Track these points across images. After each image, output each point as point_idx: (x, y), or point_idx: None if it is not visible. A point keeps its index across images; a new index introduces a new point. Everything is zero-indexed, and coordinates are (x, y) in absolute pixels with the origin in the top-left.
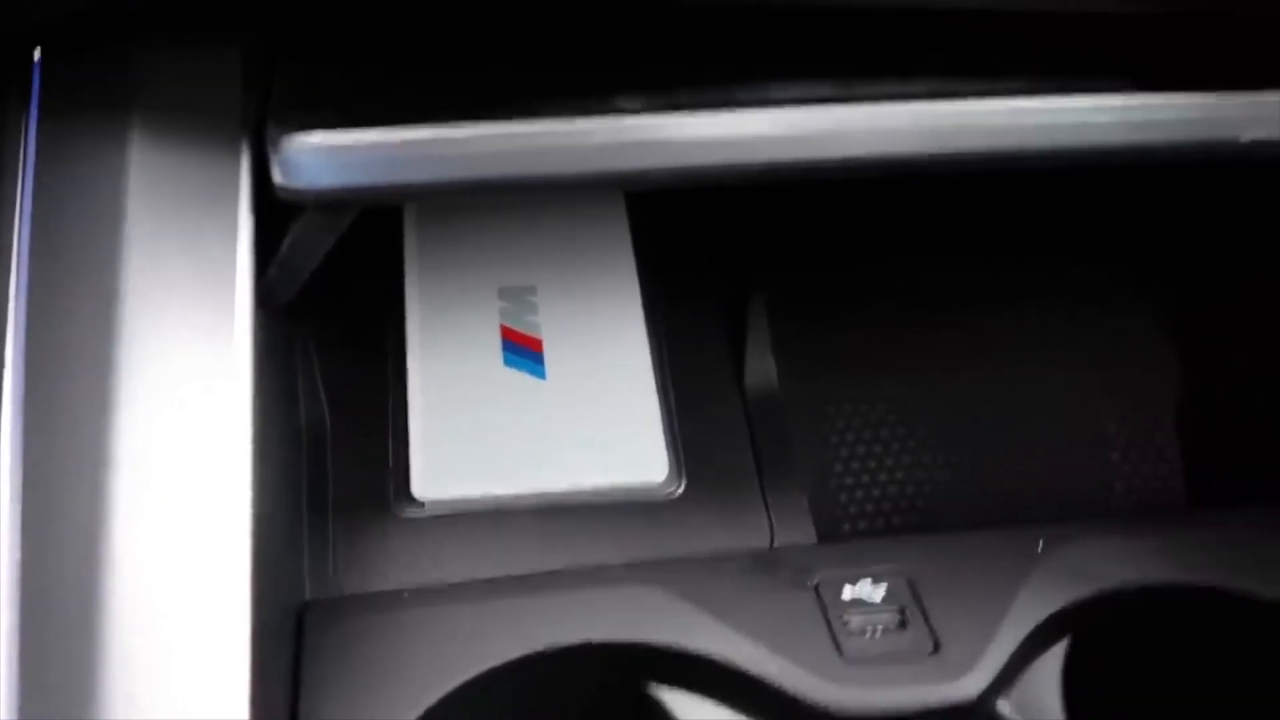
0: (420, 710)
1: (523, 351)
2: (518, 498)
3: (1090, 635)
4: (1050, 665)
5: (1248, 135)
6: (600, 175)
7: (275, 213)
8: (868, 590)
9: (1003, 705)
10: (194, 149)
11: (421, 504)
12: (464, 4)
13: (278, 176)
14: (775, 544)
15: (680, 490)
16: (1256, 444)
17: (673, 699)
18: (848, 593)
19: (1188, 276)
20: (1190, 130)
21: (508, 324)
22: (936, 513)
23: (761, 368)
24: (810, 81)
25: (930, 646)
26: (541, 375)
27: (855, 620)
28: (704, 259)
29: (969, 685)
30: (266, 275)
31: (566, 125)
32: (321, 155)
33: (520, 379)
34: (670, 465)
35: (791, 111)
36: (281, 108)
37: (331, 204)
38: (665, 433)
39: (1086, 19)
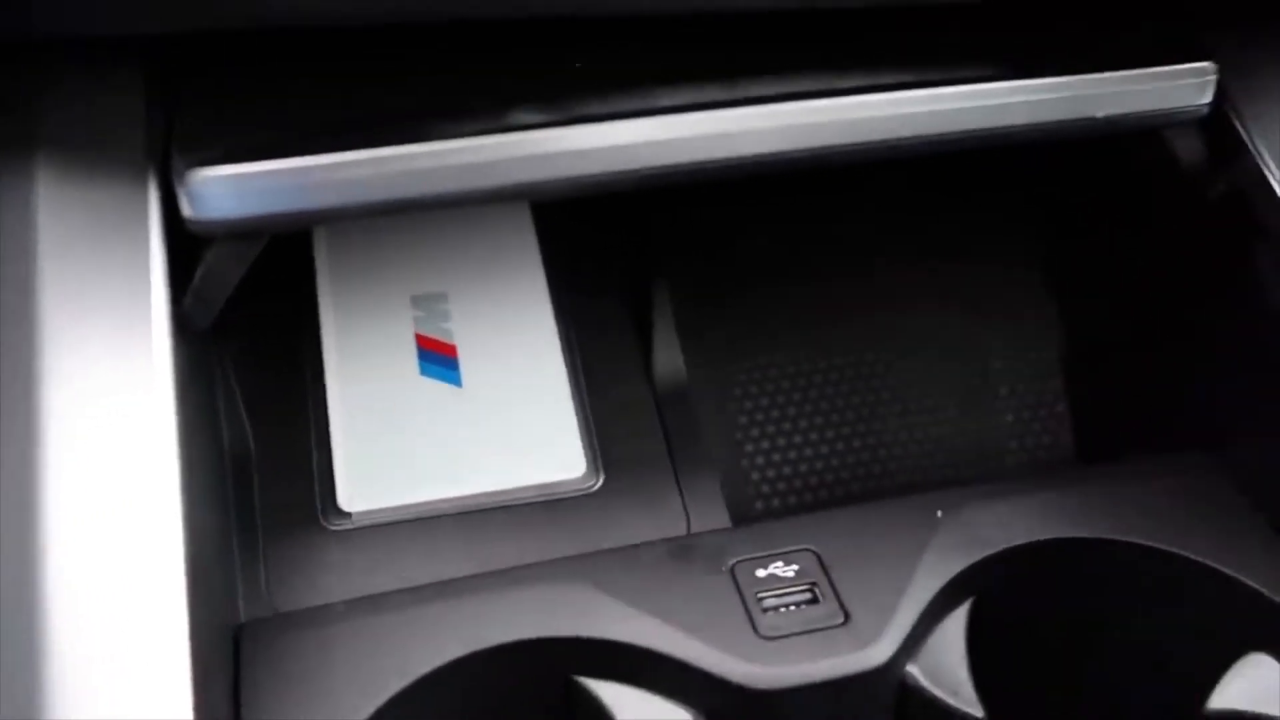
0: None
1: (438, 359)
2: (442, 503)
3: (990, 595)
4: (954, 627)
5: (1103, 111)
6: (500, 190)
7: (187, 242)
8: (780, 569)
9: (911, 669)
10: (101, 183)
11: (349, 516)
12: (359, 31)
13: (186, 209)
14: (691, 530)
15: (599, 484)
16: (1134, 395)
17: (601, 689)
18: (761, 573)
19: (1064, 239)
20: (1053, 111)
21: (422, 332)
22: (843, 484)
23: (668, 355)
24: (694, 86)
25: (840, 618)
26: (457, 382)
27: (769, 599)
28: (608, 246)
29: (878, 653)
30: (182, 304)
31: (465, 144)
32: (228, 187)
33: (437, 387)
34: (587, 460)
35: (679, 117)
36: (185, 139)
37: (242, 234)
38: (580, 428)
39: (950, 10)
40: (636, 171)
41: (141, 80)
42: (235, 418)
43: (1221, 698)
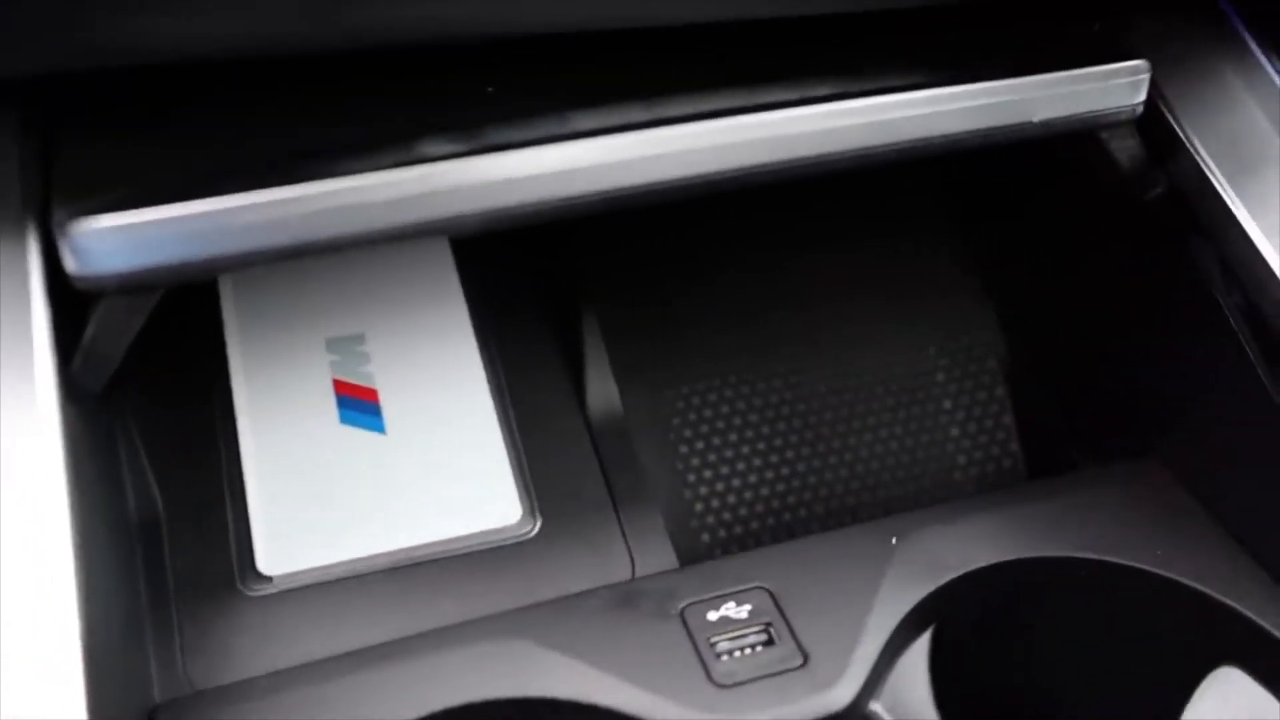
0: None
1: (358, 405)
2: (369, 560)
3: (951, 622)
4: (916, 659)
5: (1039, 116)
6: (414, 226)
7: (73, 299)
8: (732, 610)
9: (875, 707)
10: None
11: (269, 580)
12: (247, 65)
13: (70, 264)
14: (636, 572)
15: (536, 529)
16: (1079, 400)
17: None
18: (712, 615)
19: (1001, 246)
20: (988, 117)
21: (340, 377)
22: (791, 510)
23: (601, 388)
24: (611, 108)
25: (799, 660)
26: (380, 429)
27: (723, 643)
28: (532, 276)
29: (840, 694)
30: (72, 366)
31: (374, 180)
32: (114, 238)
33: (359, 435)
34: (523, 505)
35: (599, 141)
36: (66, 188)
37: (132, 288)
38: (514, 472)
39: (873, 18)
40: (558, 201)
41: (16, 125)
42: (141, 481)
43: (1194, 715)
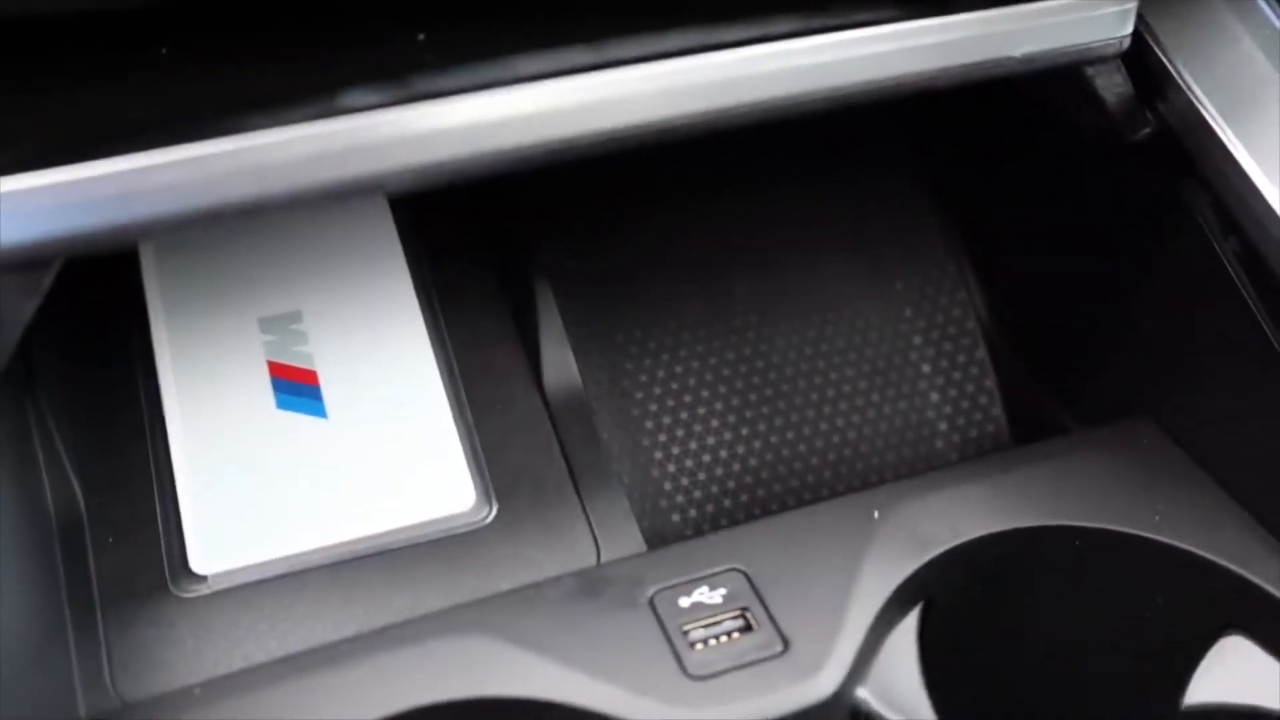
0: None
1: (296, 389)
2: (313, 554)
3: (939, 599)
4: (904, 640)
5: (1021, 50)
6: (343, 184)
7: None
8: (705, 595)
9: (862, 693)
10: None
11: (203, 579)
12: (143, 13)
13: None
14: (602, 558)
15: (491, 515)
16: (1061, 358)
17: None
18: (685, 602)
19: (976, 199)
20: (966, 53)
21: (275, 359)
22: (766, 485)
23: (558, 362)
24: (556, 51)
25: (779, 647)
26: (321, 413)
27: (696, 631)
28: (479, 245)
29: (824, 682)
30: None
31: (298, 132)
32: None
33: (297, 420)
34: (477, 489)
35: (543, 86)
36: None
37: (23, 263)
38: (467, 454)
39: None
40: (497, 154)
41: None
42: (60, 476)
43: (1200, 688)
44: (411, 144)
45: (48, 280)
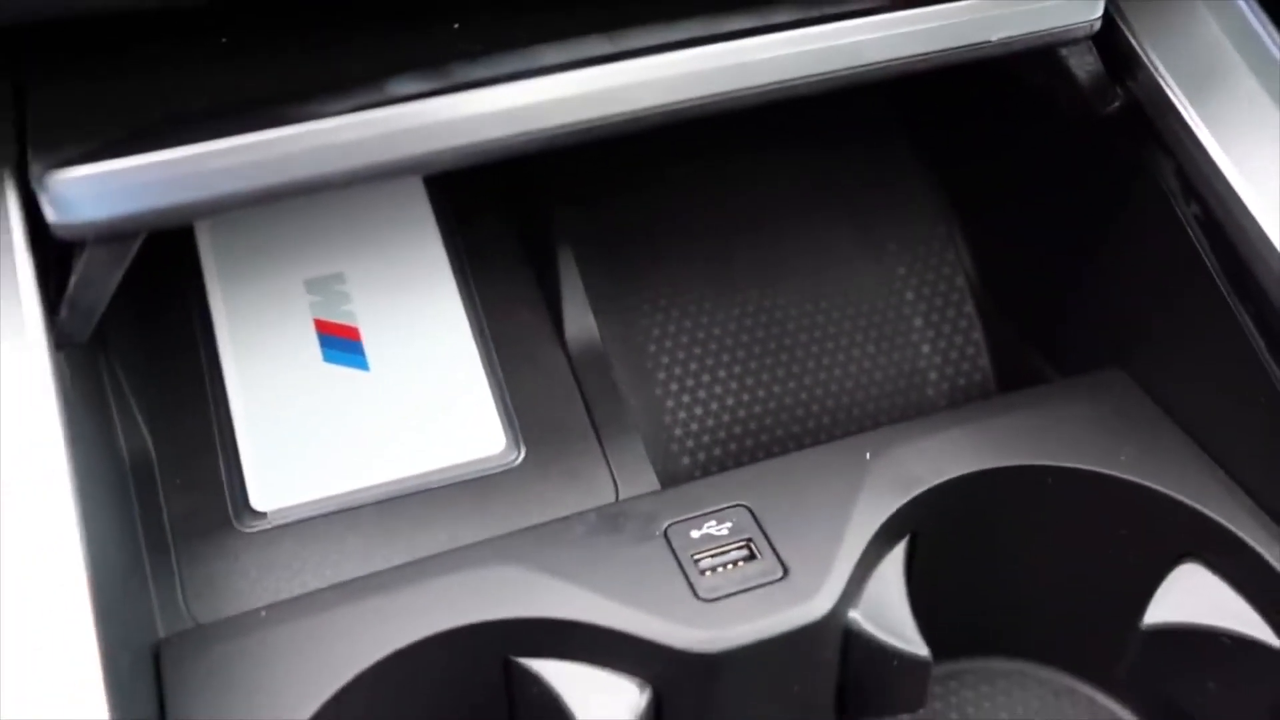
0: None
1: (341, 344)
2: (360, 493)
3: (924, 532)
4: (892, 569)
5: (998, 35)
6: (392, 165)
7: (55, 250)
8: (714, 528)
9: (854, 615)
10: None
11: (263, 515)
12: (208, 12)
13: (51, 215)
14: (620, 496)
15: (520, 458)
16: (1044, 314)
17: (543, 667)
18: (695, 534)
19: (962, 162)
20: (947, 39)
21: (321, 317)
22: (769, 430)
23: (579, 319)
24: (583, 40)
25: (779, 573)
26: (364, 366)
27: (706, 560)
28: (506, 213)
29: (819, 604)
30: (58, 316)
31: (350, 120)
32: (93, 187)
33: (343, 373)
34: (507, 435)
35: (572, 75)
36: (41, 139)
37: (113, 236)
38: (497, 403)
39: None
40: (527, 136)
41: None
42: (132, 428)
43: (1158, 610)
44: (453, 129)
45: (133, 251)
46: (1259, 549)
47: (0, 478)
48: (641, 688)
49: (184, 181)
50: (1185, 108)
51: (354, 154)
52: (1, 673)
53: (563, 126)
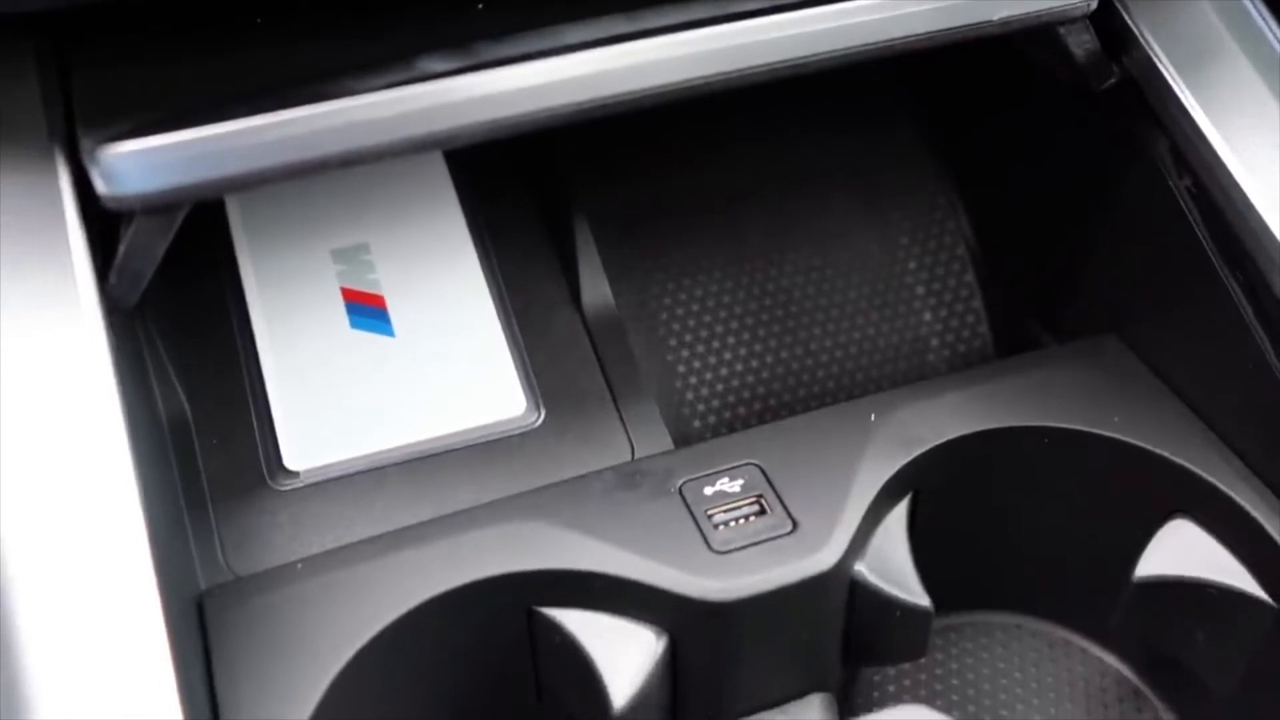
0: (333, 675)
1: (367, 311)
2: (388, 453)
3: (926, 489)
4: (896, 524)
5: (999, 15)
6: (426, 139)
7: (104, 220)
8: (726, 485)
9: (859, 568)
10: (8, 169)
11: (296, 475)
12: None
13: (101, 187)
14: (636, 456)
15: (540, 420)
16: (1042, 283)
17: (565, 616)
18: (709, 490)
19: (963, 137)
20: (950, 18)
21: (348, 285)
22: (776, 395)
23: (595, 287)
24: (603, 18)
25: (789, 527)
26: (389, 332)
27: (719, 515)
28: (524, 187)
29: (827, 556)
30: (108, 284)
31: (383, 97)
32: (142, 160)
33: (369, 339)
34: (527, 398)
35: (593, 53)
36: (89, 115)
37: (160, 207)
38: (517, 367)
39: None
40: (554, 110)
41: (32, 58)
42: (170, 392)
43: (1148, 564)
44: (478, 105)
45: (178, 222)
46: (1245, 505)
47: (61, 432)
48: (658, 635)
49: (227, 156)
50: (1178, 84)
51: (386, 129)
52: (70, 620)
53: (581, 103)
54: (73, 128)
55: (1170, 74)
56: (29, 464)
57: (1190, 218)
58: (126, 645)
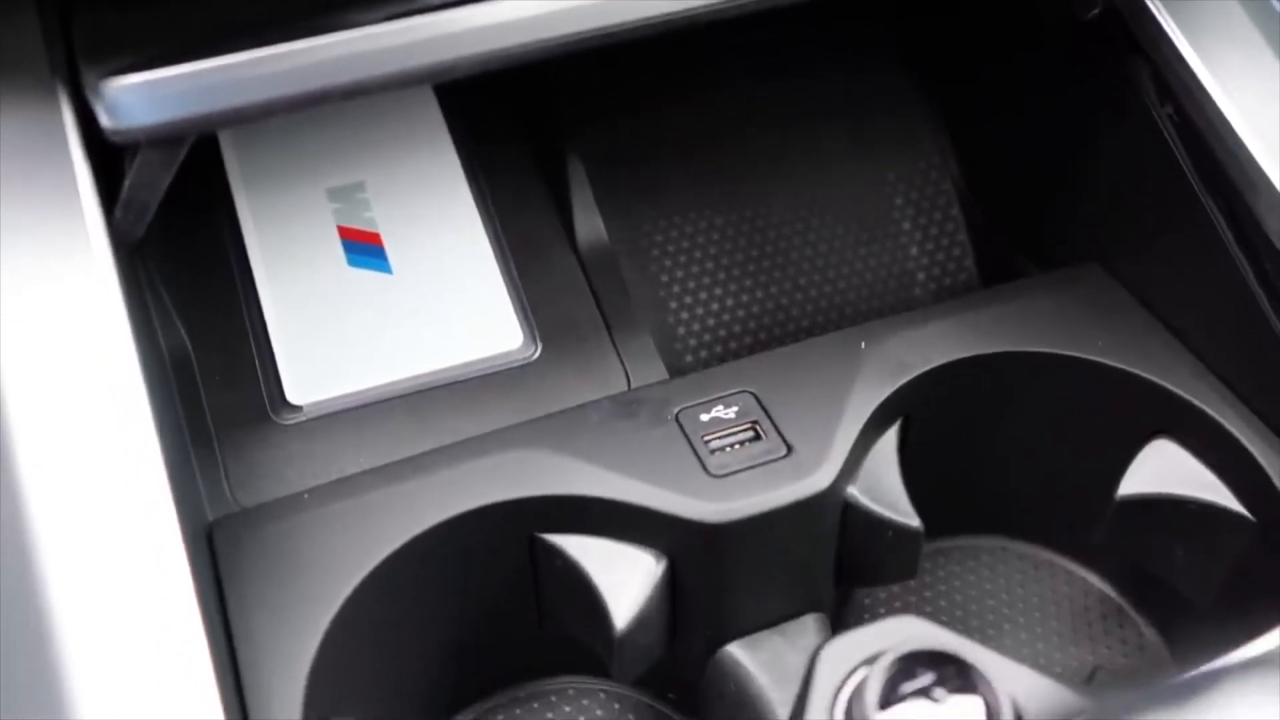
0: (343, 599)
1: (364, 249)
2: (389, 386)
3: (916, 414)
4: (886, 448)
5: None
6: (418, 71)
7: (108, 154)
8: (722, 412)
9: (852, 490)
10: (11, 104)
11: (299, 409)
12: None
13: (105, 120)
14: (632, 386)
15: (537, 353)
16: (1026, 216)
17: (566, 542)
18: (704, 417)
19: (949, 71)
20: None
21: (344, 223)
22: (766, 329)
23: (589, 225)
24: None
25: (783, 451)
26: (387, 269)
27: (715, 440)
28: (515, 121)
29: (821, 479)
30: (114, 218)
31: (378, 29)
32: (146, 93)
33: (367, 276)
34: (524, 331)
35: None
36: (89, 50)
37: (164, 139)
38: (513, 302)
39: None
40: (552, 41)
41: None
42: (170, 329)
43: (1131, 482)
44: (476, 36)
45: (182, 155)
46: (1225, 424)
47: (74, 363)
48: (658, 558)
49: (230, 87)
50: (1160, 12)
51: (387, 60)
52: (93, 545)
53: (576, 34)
54: (74, 65)
55: (1152, 2)
56: (45, 395)
57: (1172, 145)
58: (148, 572)
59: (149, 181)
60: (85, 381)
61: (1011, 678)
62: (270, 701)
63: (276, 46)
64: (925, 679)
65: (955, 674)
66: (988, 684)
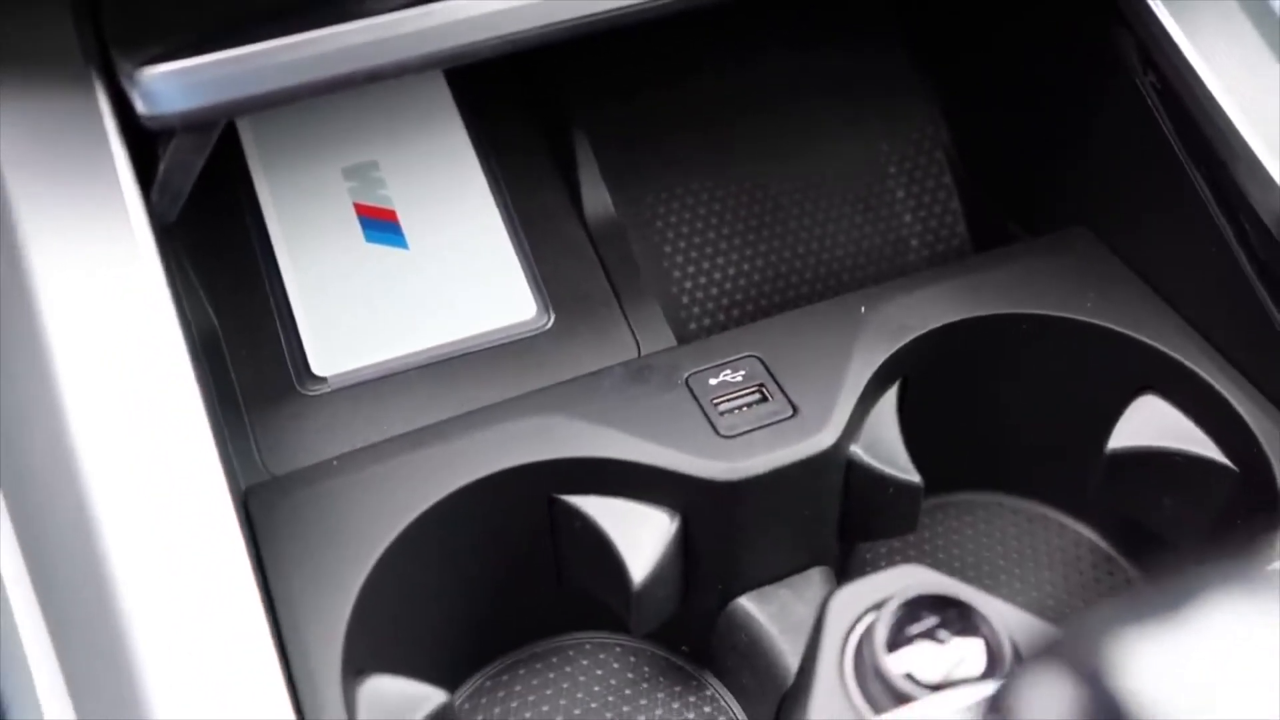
0: (374, 560)
1: (380, 225)
2: (409, 358)
3: (914, 375)
4: (887, 408)
5: None
6: (439, 55)
7: (143, 140)
8: (729, 376)
9: (855, 448)
10: (48, 93)
11: (324, 380)
12: None
13: (142, 107)
14: (642, 353)
15: (550, 323)
16: (1016, 183)
17: (584, 502)
18: (713, 381)
19: (943, 47)
20: None
21: (360, 201)
22: (767, 297)
23: (597, 198)
24: None
25: (790, 412)
26: (403, 245)
27: (724, 403)
28: (522, 99)
29: (825, 437)
30: (150, 201)
31: (402, 15)
32: (180, 80)
33: (385, 251)
34: (537, 302)
35: None
36: (121, 39)
37: (198, 124)
38: (526, 275)
39: None
40: (555, 25)
41: None
42: (197, 305)
43: (1119, 437)
44: (494, 20)
45: (214, 138)
46: (1208, 379)
47: (123, 337)
48: (671, 516)
49: (260, 73)
50: None
51: (410, 45)
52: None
53: (585, 17)
54: (106, 53)
55: None
56: (97, 371)
57: (1156, 113)
58: (203, 534)
59: (183, 165)
60: (134, 357)
61: (1010, 620)
62: (311, 658)
63: (304, 33)
64: (930, 622)
65: (957, 617)
66: (989, 625)
